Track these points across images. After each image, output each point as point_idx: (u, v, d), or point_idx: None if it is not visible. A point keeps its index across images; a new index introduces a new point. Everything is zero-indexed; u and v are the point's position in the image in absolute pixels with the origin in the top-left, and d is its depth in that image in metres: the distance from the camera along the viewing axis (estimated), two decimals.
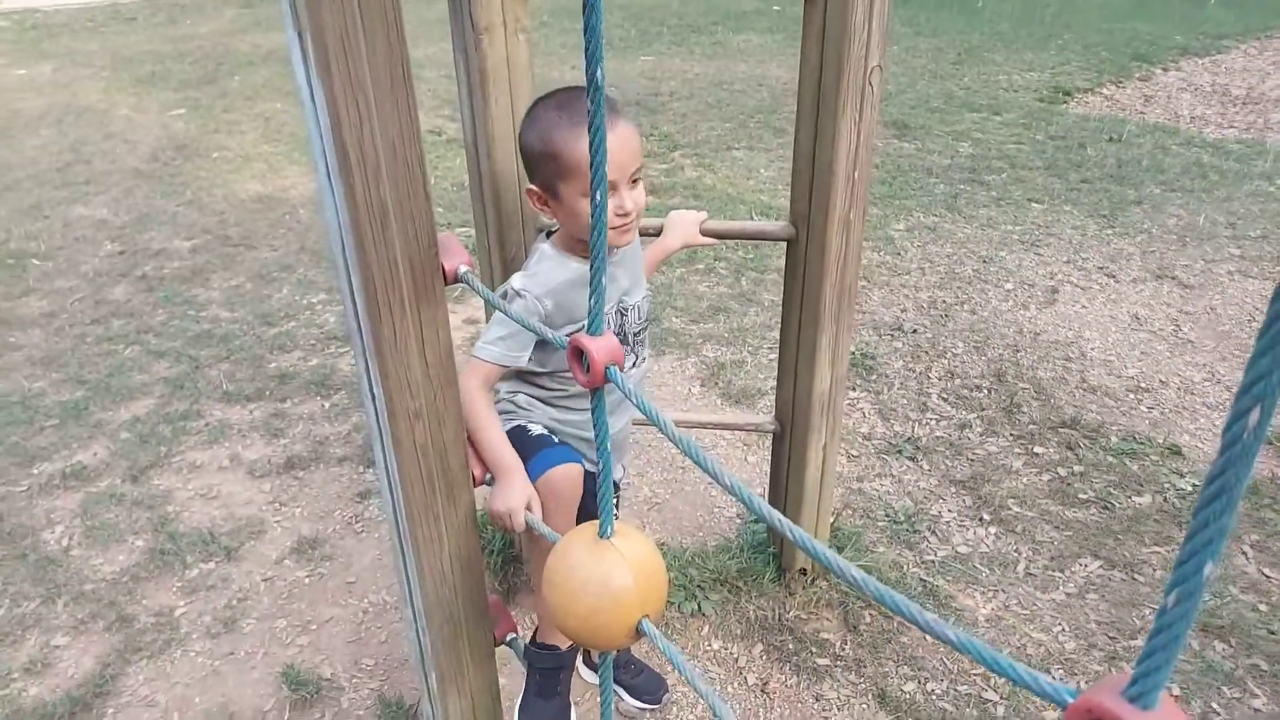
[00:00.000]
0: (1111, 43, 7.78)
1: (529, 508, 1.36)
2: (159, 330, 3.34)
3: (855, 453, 2.63)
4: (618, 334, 1.52)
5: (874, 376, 2.96)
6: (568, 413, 1.52)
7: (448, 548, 1.39)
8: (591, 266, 0.89)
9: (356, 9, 1.03)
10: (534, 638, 1.59)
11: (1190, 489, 2.42)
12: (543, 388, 1.53)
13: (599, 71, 0.84)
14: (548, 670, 1.54)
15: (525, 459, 1.43)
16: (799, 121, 1.66)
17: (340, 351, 3.19)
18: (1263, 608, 2.06)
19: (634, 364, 1.58)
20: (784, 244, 1.80)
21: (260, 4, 10.87)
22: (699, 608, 2.09)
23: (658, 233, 1.76)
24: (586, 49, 0.83)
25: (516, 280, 1.40)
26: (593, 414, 1.01)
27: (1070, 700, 0.52)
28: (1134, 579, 2.15)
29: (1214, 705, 1.83)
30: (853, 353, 3.08)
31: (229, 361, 3.13)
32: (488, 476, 1.42)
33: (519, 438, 1.46)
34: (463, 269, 1.26)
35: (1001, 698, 1.86)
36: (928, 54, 7.37)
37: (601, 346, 0.95)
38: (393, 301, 1.18)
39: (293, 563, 2.26)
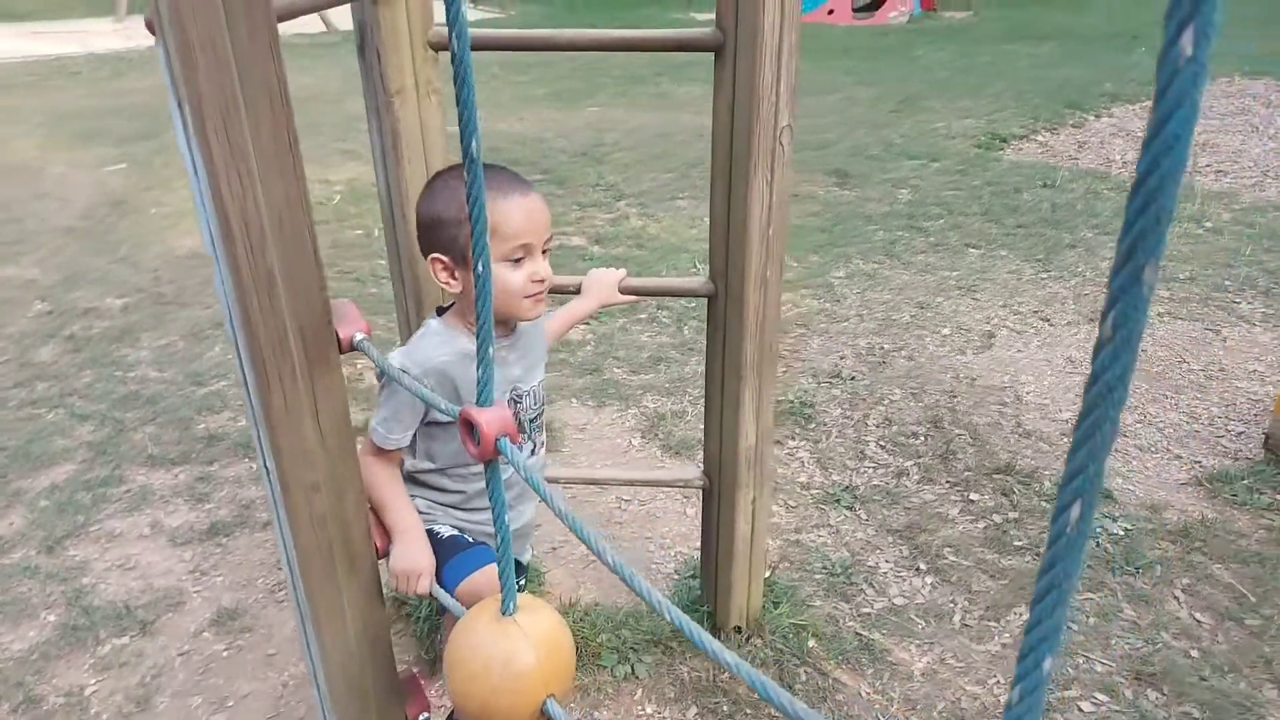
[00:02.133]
0: (1044, 90, 8.03)
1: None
2: (84, 392, 3.24)
3: (793, 503, 2.62)
4: (517, 416, 1.48)
5: (812, 425, 2.96)
6: (473, 513, 1.48)
7: (350, 621, 1.34)
8: (478, 336, 0.87)
9: (235, 79, 1.01)
10: (451, 715, 1.54)
11: (1122, 533, 2.44)
12: (442, 490, 1.49)
13: (474, 143, 0.83)
14: None
15: (440, 564, 1.39)
16: (713, 181, 1.66)
17: None
18: (1194, 653, 2.06)
19: (531, 452, 1.53)
20: (706, 303, 1.80)
21: None
22: (632, 670, 2.04)
23: (576, 291, 1.74)
24: (460, 120, 0.82)
25: (395, 358, 1.35)
26: (487, 485, 0.98)
27: None
28: (1068, 628, 2.14)
29: None
30: (791, 401, 3.08)
31: (155, 424, 3.04)
32: (389, 546, 1.37)
33: (429, 542, 1.42)
34: (358, 337, 1.23)
35: None
36: (866, 103, 7.54)
37: (492, 418, 0.93)
38: (283, 371, 1.14)
39: (211, 635, 2.17)
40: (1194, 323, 3.67)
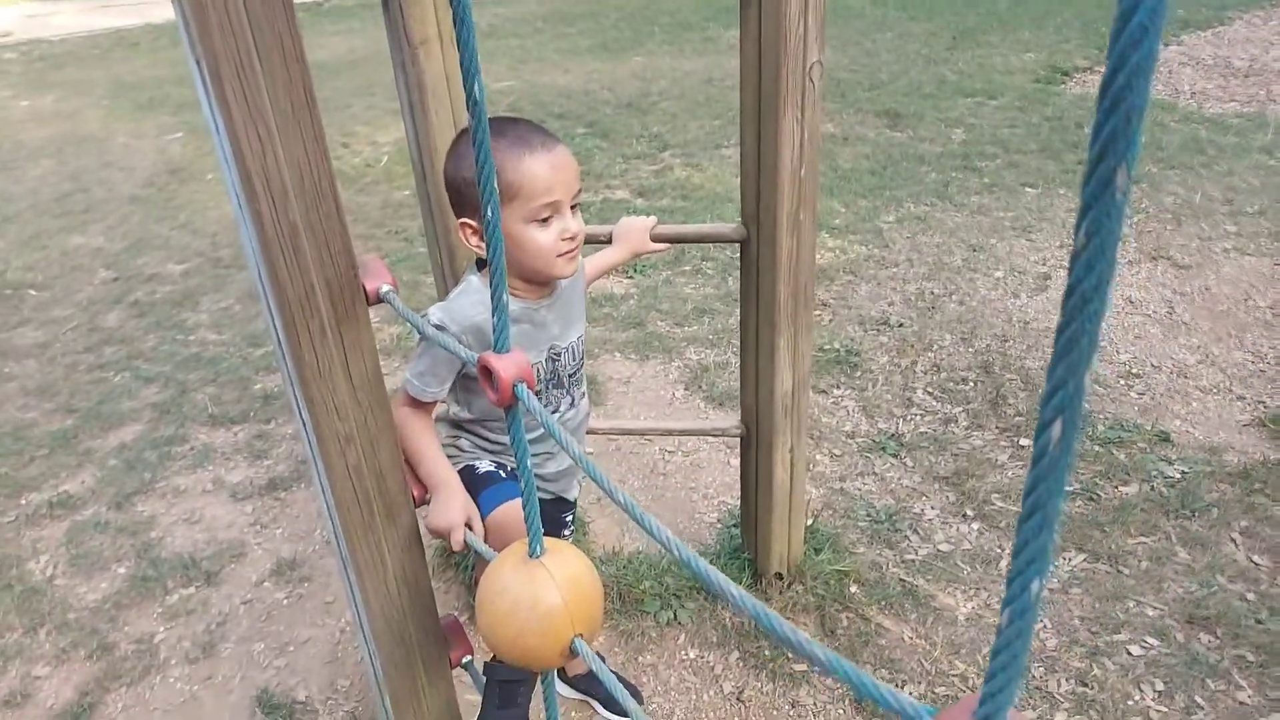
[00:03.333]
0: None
1: (469, 525, 1.34)
2: (149, 355, 3.36)
3: (838, 451, 2.60)
4: (550, 379, 1.49)
5: (858, 373, 2.93)
6: (509, 456, 1.50)
7: (391, 570, 1.38)
8: (491, 282, 0.88)
9: (250, 38, 1.02)
10: (493, 659, 1.58)
11: (1179, 476, 2.38)
12: (480, 437, 1.51)
13: (476, 86, 0.83)
14: (507, 683, 1.53)
15: (474, 497, 1.42)
16: (743, 123, 1.63)
17: None
18: (1250, 596, 2.01)
19: (570, 405, 1.53)
20: (739, 248, 1.78)
21: None
22: (675, 616, 2.07)
23: (608, 240, 1.74)
24: (462, 63, 0.82)
25: (435, 313, 1.35)
26: (509, 431, 1.00)
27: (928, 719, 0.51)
28: (1119, 571, 2.11)
29: (1197, 699, 1.78)
30: (837, 349, 3.05)
31: (215, 384, 3.14)
32: (427, 496, 1.41)
33: (467, 477, 1.45)
34: (385, 289, 1.24)
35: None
36: (921, 38, 7.30)
37: (509, 365, 0.94)
38: (311, 325, 1.17)
39: (272, 585, 2.26)
40: (1262, 258, 3.52)
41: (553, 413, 1.51)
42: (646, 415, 2.83)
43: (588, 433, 1.79)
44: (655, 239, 1.74)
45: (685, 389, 2.95)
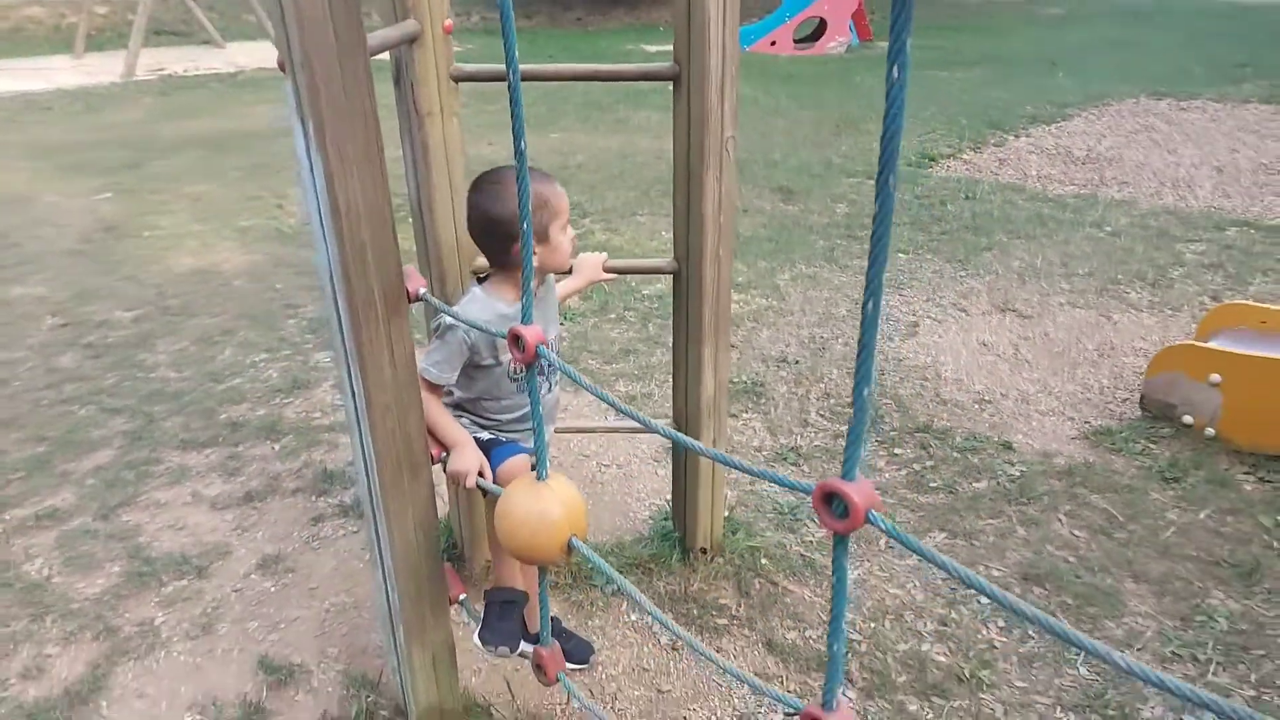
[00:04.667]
0: (970, 112, 8.69)
1: (481, 473, 1.75)
2: (112, 391, 3.60)
3: (750, 461, 3.07)
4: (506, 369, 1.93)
5: (763, 400, 3.43)
6: (499, 429, 1.92)
7: (412, 517, 1.76)
8: (523, 277, 1.32)
9: (344, 106, 1.45)
10: (493, 586, 1.97)
11: (1019, 474, 2.94)
12: (477, 414, 1.93)
13: (523, 144, 1.28)
14: (505, 603, 1.91)
15: (485, 454, 1.83)
16: (675, 181, 2.13)
17: (285, 402, 3.51)
18: (1071, 560, 2.55)
19: (549, 390, 1.98)
20: (671, 279, 2.26)
21: (174, 94, 11.14)
22: (618, 588, 2.47)
23: (568, 272, 2.19)
24: (514, 127, 1.27)
25: (449, 318, 1.79)
26: (526, 386, 1.43)
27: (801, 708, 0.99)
28: (972, 545, 2.63)
29: (1030, 632, 2.29)
30: (745, 381, 3.55)
31: (182, 414, 3.41)
32: (443, 455, 1.80)
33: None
34: (422, 290, 1.67)
35: (864, 637, 2.29)
36: (809, 125, 8.12)
37: (533, 332, 1.37)
38: (369, 317, 1.57)
39: (259, 576, 2.56)
40: (1089, 310, 4.23)
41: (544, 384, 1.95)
42: (585, 434, 3.25)
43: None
44: (607, 270, 2.21)
45: (615, 415, 3.38)
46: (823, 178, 6.51)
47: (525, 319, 1.38)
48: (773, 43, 14.84)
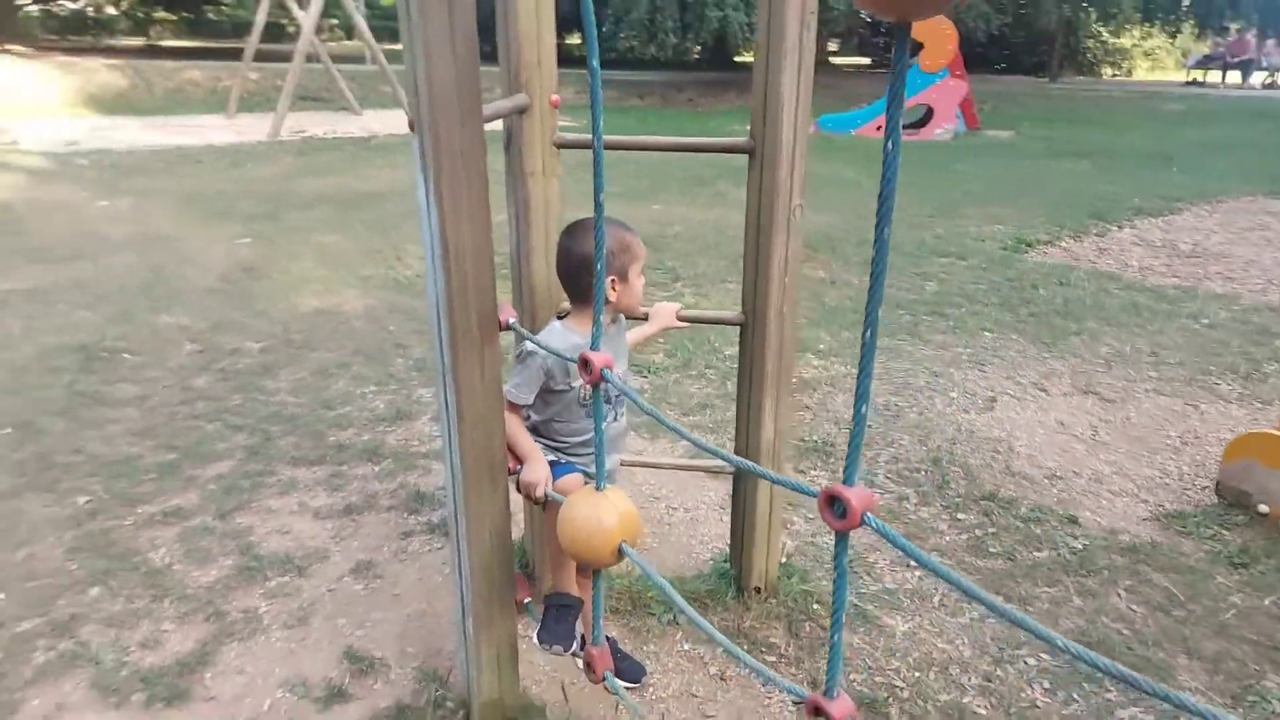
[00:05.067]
0: (1074, 203, 8.69)
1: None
2: (236, 410, 3.98)
3: (811, 516, 3.19)
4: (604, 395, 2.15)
5: (831, 459, 3.56)
6: (566, 450, 2.14)
7: (489, 522, 1.98)
8: (594, 309, 1.55)
9: (460, 162, 1.72)
10: (552, 591, 2.16)
11: (1081, 547, 2.97)
12: (547, 437, 2.15)
13: (602, 196, 1.52)
14: (562, 606, 2.09)
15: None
16: (746, 243, 2.34)
17: (388, 430, 3.82)
18: (1126, 632, 2.57)
19: (614, 418, 2.18)
20: (739, 331, 2.46)
21: (313, 154, 12.07)
22: (674, 618, 2.62)
23: (646, 318, 2.41)
24: (595, 182, 1.51)
25: (530, 345, 2.04)
26: (592, 407, 1.64)
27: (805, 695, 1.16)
28: (1025, 609, 2.67)
29: (1074, 695, 2.33)
30: (815, 440, 3.69)
31: (295, 435, 3.75)
32: (518, 467, 2.02)
33: None
34: (512, 320, 1.92)
35: (908, 685, 2.37)
36: (907, 208, 8.26)
37: (600, 357, 1.59)
38: (467, 340, 1.83)
39: (351, 579, 2.82)
40: (1176, 399, 4.20)
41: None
42: (656, 477, 3.44)
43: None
44: (680, 319, 2.43)
45: (681, 454, 3.56)
46: (914, 256, 6.63)
47: (594, 346, 1.61)
48: (879, 127, 15.06)
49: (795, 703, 2.20)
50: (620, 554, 1.70)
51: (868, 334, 1.14)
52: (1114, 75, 34.95)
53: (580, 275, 2.04)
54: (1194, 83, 28.74)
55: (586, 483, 2.05)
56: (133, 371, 4.45)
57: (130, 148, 12.24)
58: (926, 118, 15.19)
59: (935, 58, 14.77)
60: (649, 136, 2.34)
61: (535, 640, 2.11)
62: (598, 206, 1.55)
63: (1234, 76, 28.16)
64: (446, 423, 1.92)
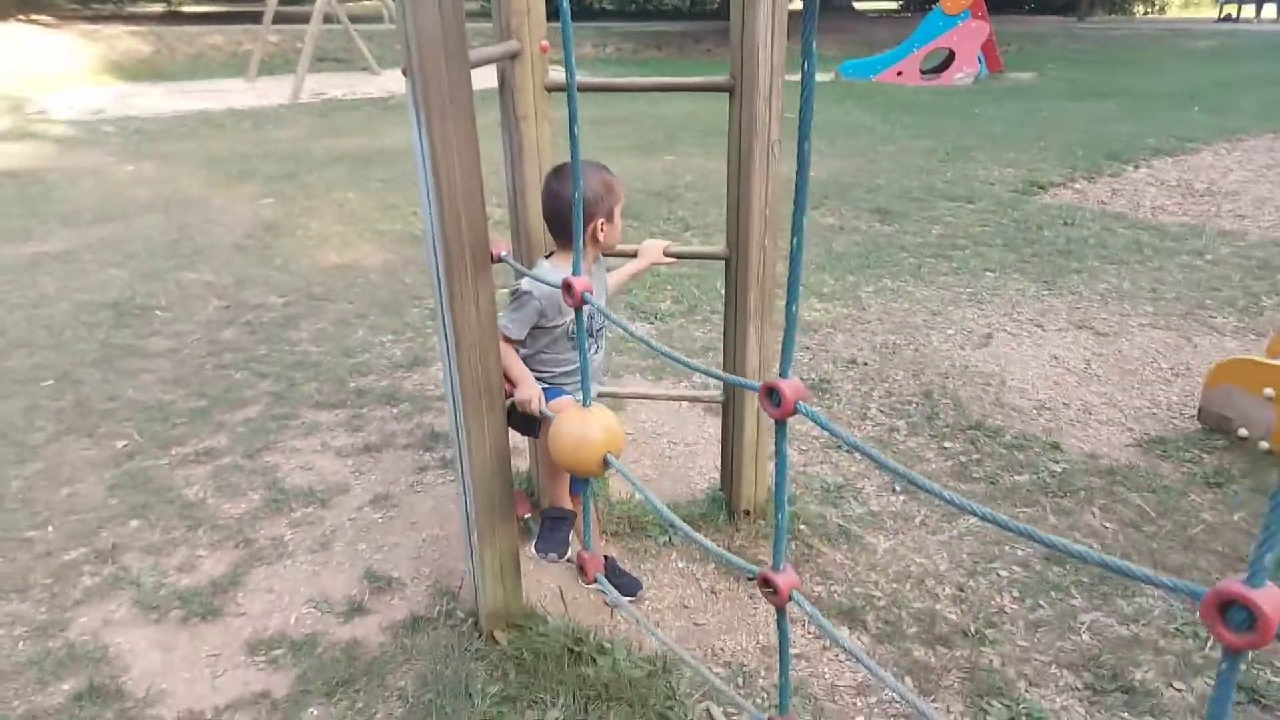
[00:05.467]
0: (1090, 143, 8.64)
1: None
2: (262, 360, 4.19)
3: (804, 448, 3.35)
4: (586, 328, 2.30)
5: (826, 395, 3.70)
6: (552, 379, 2.30)
7: (489, 440, 2.15)
8: (574, 245, 1.69)
9: (447, 100, 1.86)
10: (547, 506, 2.34)
11: (1061, 471, 3.10)
12: (535, 368, 2.31)
13: (578, 132, 1.65)
14: (556, 519, 2.27)
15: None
16: (729, 179, 2.46)
17: (404, 375, 4.01)
18: (1096, 546, 2.71)
19: (596, 350, 2.34)
20: (725, 265, 2.59)
21: (332, 115, 12.21)
22: (670, 540, 2.80)
23: (635, 254, 2.55)
24: (570, 128, 1.64)
25: (525, 284, 2.19)
26: (576, 327, 1.79)
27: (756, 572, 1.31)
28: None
29: (1040, 601, 2.48)
30: (812, 378, 3.82)
31: (318, 381, 3.95)
32: (512, 391, 2.19)
33: None
34: (504, 253, 2.07)
35: (884, 595, 2.54)
36: (919, 154, 8.27)
37: (581, 282, 1.73)
38: (460, 270, 1.98)
39: (369, 510, 3.02)
40: (1171, 332, 4.29)
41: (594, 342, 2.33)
42: (658, 414, 3.60)
43: (605, 394, 2.57)
44: (667, 254, 2.57)
45: (687, 407, 3.72)
46: (922, 201, 6.68)
47: (575, 271, 1.76)
48: (899, 73, 14.93)
49: (749, 578, 2.37)
50: (606, 464, 1.87)
51: (795, 242, 1.27)
52: (1146, 13, 34.05)
53: (568, 216, 2.19)
54: (1227, 18, 27.98)
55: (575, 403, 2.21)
56: (163, 325, 4.67)
57: (154, 113, 12.44)
58: (948, 61, 15.01)
59: None
60: (635, 78, 2.46)
61: (533, 550, 2.29)
62: (574, 145, 1.68)
63: (1269, 11, 27.37)
64: (445, 348, 2.08)
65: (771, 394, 1.30)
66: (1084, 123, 10.06)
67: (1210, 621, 0.88)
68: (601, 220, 2.22)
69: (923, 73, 14.94)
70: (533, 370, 2.29)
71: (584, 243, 2.21)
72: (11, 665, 2.36)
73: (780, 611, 1.46)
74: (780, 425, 1.35)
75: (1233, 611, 0.86)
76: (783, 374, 1.31)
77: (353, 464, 3.30)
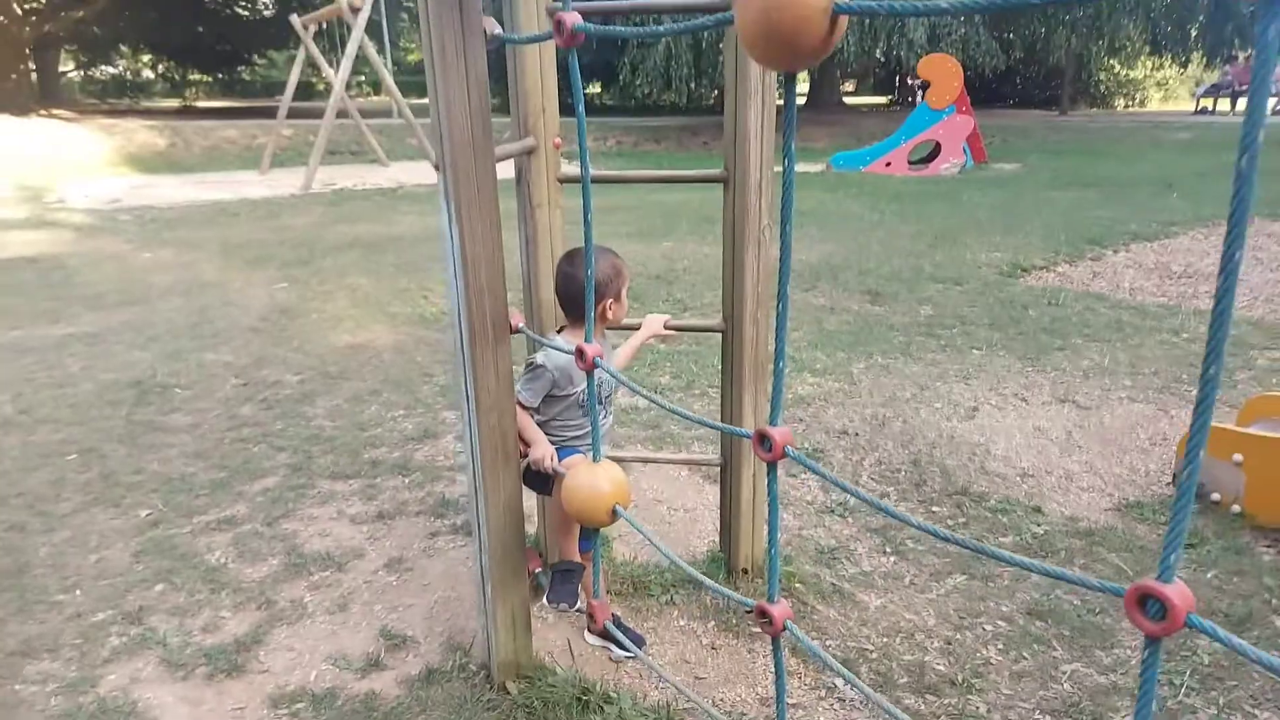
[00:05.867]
0: (1072, 229, 8.99)
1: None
2: (279, 434, 4.37)
3: (799, 512, 3.51)
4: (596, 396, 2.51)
5: (820, 463, 3.87)
6: (564, 442, 2.50)
7: (504, 498, 2.33)
8: (586, 319, 1.91)
9: (476, 192, 2.10)
10: (558, 560, 2.50)
11: (1043, 533, 3.26)
12: (551, 433, 2.51)
13: (590, 221, 1.88)
14: (566, 570, 2.43)
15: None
16: (724, 260, 2.70)
17: (416, 447, 4.19)
18: (1076, 601, 2.86)
19: (606, 416, 2.55)
20: (721, 339, 2.81)
21: (343, 204, 12.66)
22: (671, 598, 2.94)
23: (638, 327, 2.78)
24: (585, 216, 1.88)
25: (539, 357, 2.41)
26: (587, 388, 2.00)
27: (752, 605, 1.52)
28: (987, 585, 2.97)
29: (1024, 654, 2.62)
30: (805, 448, 4.01)
31: (333, 454, 4.13)
32: (527, 451, 2.38)
33: None
34: (521, 324, 2.29)
35: (876, 649, 2.67)
36: (908, 238, 8.61)
37: (592, 348, 1.95)
38: (483, 340, 2.19)
39: (384, 573, 3.16)
40: (1149, 405, 4.49)
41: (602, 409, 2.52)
42: (659, 481, 3.77)
43: (610, 456, 2.75)
44: (668, 328, 2.79)
45: (688, 471, 3.89)
46: (911, 283, 6.96)
47: (587, 338, 1.97)
48: (888, 164, 15.50)
49: (746, 611, 2.51)
50: (614, 515, 2.04)
51: (780, 306, 1.47)
52: (1126, 107, 35.31)
53: (580, 295, 2.41)
54: (1203, 111, 29.03)
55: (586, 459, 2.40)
56: (184, 403, 4.86)
57: (170, 203, 12.90)
58: (934, 153, 15.60)
59: (942, 95, 15.23)
60: (639, 170, 2.72)
61: (546, 600, 2.45)
62: (587, 236, 1.91)
63: (1244, 104, 28.41)
64: (466, 410, 2.28)
65: (763, 440, 1.50)
66: (1066, 209, 10.47)
67: (1131, 613, 1.07)
68: (610, 300, 2.45)
69: (910, 163, 15.52)
70: (547, 435, 2.48)
71: (619, 311, 2.47)
72: (45, 719, 2.48)
73: (775, 642, 1.62)
74: (771, 468, 1.55)
75: (1149, 604, 1.05)
76: (772, 423, 1.51)
77: (367, 530, 3.45)
